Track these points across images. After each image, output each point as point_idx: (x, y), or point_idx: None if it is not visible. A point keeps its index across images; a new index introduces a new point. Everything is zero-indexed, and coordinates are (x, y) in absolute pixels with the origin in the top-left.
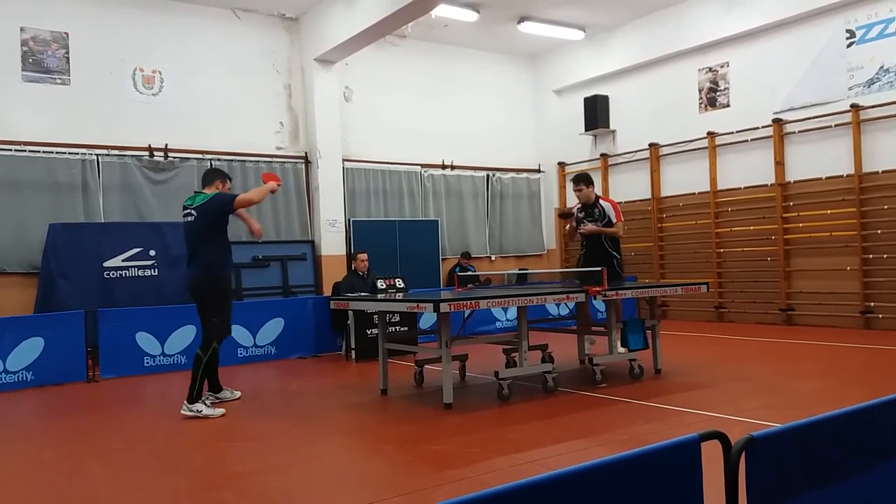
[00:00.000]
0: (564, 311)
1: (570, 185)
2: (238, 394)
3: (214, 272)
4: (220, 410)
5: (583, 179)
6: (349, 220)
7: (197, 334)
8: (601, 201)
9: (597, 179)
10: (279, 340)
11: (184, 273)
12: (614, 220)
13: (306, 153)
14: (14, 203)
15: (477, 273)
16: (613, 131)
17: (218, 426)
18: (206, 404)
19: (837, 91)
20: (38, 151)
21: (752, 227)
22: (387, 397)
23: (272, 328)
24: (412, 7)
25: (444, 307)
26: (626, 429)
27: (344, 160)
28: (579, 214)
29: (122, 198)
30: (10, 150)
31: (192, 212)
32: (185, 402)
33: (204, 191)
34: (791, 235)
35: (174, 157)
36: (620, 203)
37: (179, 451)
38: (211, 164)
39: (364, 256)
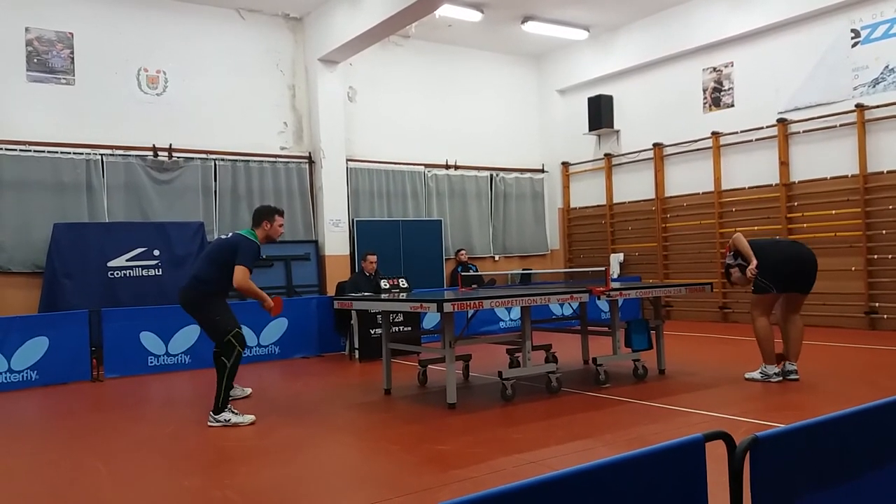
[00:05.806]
0: (568, 312)
1: (574, 185)
2: (248, 391)
3: (202, 288)
4: (250, 417)
5: None
6: (353, 220)
7: (202, 335)
8: None
9: (600, 179)
10: (283, 340)
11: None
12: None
13: (310, 153)
14: (19, 203)
15: (480, 273)
16: (617, 131)
17: (221, 427)
18: (233, 412)
19: (842, 91)
20: (43, 151)
21: (756, 228)
22: (390, 397)
23: (276, 328)
24: (416, 7)
25: (447, 307)
26: (630, 429)
27: (347, 160)
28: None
29: (126, 198)
30: (15, 149)
31: (229, 234)
32: (211, 412)
33: (251, 228)
34: (795, 236)
35: (178, 157)
36: (623, 203)
37: (183, 450)
38: (215, 164)
39: (373, 258)
